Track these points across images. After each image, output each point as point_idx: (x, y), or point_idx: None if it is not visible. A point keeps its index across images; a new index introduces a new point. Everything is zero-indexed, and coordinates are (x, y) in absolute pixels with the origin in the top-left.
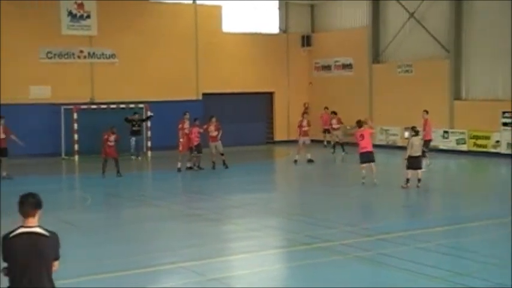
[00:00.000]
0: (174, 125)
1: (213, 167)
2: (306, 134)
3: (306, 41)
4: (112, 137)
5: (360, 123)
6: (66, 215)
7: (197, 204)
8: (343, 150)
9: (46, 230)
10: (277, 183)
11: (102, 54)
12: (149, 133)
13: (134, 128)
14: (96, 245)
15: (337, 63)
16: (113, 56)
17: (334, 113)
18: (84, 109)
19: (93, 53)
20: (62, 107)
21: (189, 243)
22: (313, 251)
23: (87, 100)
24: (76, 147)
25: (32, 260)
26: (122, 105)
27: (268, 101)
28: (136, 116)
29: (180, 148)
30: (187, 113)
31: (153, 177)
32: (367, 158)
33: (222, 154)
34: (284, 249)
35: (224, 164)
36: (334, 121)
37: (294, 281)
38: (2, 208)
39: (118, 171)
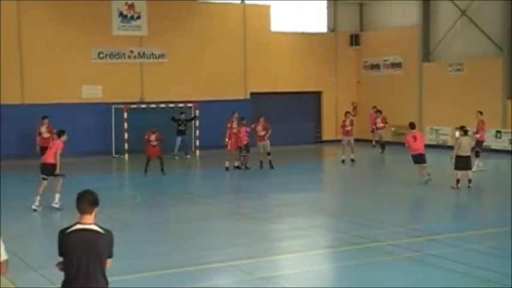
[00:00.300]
0: (222, 125)
1: (261, 167)
2: (348, 133)
3: (355, 40)
4: (153, 137)
5: (412, 125)
6: (116, 212)
7: (245, 203)
8: (382, 150)
9: (101, 227)
10: (325, 183)
11: (152, 54)
12: (197, 132)
13: (180, 128)
14: (146, 243)
15: (386, 62)
16: (162, 56)
17: (379, 111)
18: (133, 108)
19: (143, 53)
20: (113, 106)
21: (237, 241)
22: (362, 251)
23: (137, 99)
24: (126, 146)
25: (87, 256)
26: (171, 105)
27: (316, 100)
28: (183, 116)
29: (228, 147)
30: (236, 113)
31: (201, 175)
32: (419, 159)
33: (269, 154)
34: (332, 249)
35: (270, 164)
36: (378, 120)
37: (342, 281)
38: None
39: (162, 170)
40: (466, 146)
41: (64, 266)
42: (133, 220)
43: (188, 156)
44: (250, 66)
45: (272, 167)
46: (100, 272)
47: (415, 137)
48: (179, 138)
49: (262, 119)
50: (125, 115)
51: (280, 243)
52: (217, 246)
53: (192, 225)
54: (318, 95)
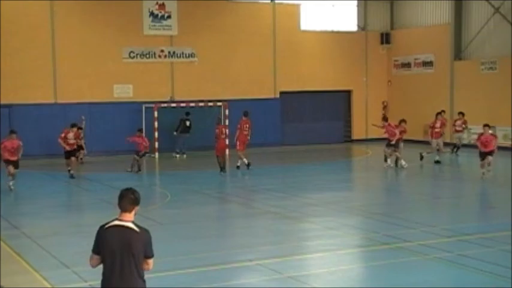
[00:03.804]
0: (253, 123)
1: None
2: (437, 135)
3: (385, 38)
4: (219, 130)
5: (488, 126)
6: (147, 211)
7: (275, 202)
8: (456, 152)
9: (138, 226)
10: (356, 183)
11: (182, 53)
12: (227, 131)
13: (187, 123)
14: (176, 241)
15: (417, 61)
16: (192, 55)
17: (462, 113)
18: (164, 107)
19: (174, 53)
20: (143, 105)
21: (267, 240)
22: (392, 251)
23: (167, 98)
24: (156, 144)
25: (122, 253)
26: (201, 103)
27: (346, 99)
28: (189, 117)
29: (238, 147)
30: (247, 113)
31: (231, 174)
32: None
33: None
34: (362, 249)
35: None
36: (459, 122)
37: (372, 281)
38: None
39: (223, 167)
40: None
41: (101, 261)
42: (164, 218)
43: (184, 156)
44: (279, 65)
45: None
46: (136, 271)
47: (489, 139)
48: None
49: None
50: (155, 114)
51: (310, 242)
52: (246, 245)
53: (222, 223)
54: (347, 94)
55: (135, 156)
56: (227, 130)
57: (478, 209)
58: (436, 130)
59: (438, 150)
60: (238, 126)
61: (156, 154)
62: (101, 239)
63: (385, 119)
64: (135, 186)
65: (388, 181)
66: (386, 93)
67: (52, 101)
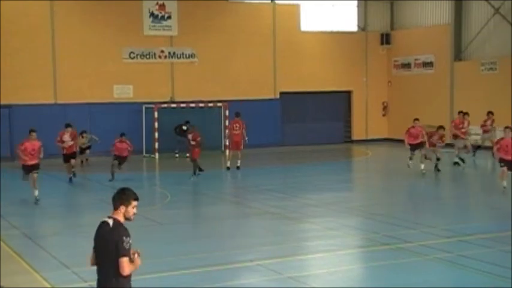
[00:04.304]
0: (251, 124)
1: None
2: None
3: (385, 38)
4: (190, 136)
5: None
6: (148, 211)
7: (275, 202)
8: (474, 153)
9: (115, 222)
10: (356, 183)
11: (182, 53)
12: (226, 132)
13: (184, 127)
14: (176, 242)
15: (418, 61)
16: (192, 55)
17: (491, 113)
18: (164, 108)
19: (174, 53)
20: (143, 106)
21: (267, 241)
22: (392, 251)
23: (168, 99)
24: (156, 145)
25: (99, 247)
26: (201, 104)
27: (346, 99)
28: (188, 125)
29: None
30: (238, 114)
31: (231, 175)
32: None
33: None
34: (362, 249)
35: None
36: (488, 122)
37: (372, 281)
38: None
39: (194, 172)
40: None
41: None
42: (164, 218)
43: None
44: (279, 66)
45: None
46: (112, 270)
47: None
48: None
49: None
50: (156, 114)
51: (310, 243)
52: (247, 245)
53: (222, 224)
54: (348, 94)
55: (115, 161)
56: (238, 125)
57: (481, 210)
58: (463, 130)
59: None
60: (229, 126)
61: (156, 155)
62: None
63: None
64: (135, 187)
65: (389, 181)
66: (386, 94)
67: (52, 101)
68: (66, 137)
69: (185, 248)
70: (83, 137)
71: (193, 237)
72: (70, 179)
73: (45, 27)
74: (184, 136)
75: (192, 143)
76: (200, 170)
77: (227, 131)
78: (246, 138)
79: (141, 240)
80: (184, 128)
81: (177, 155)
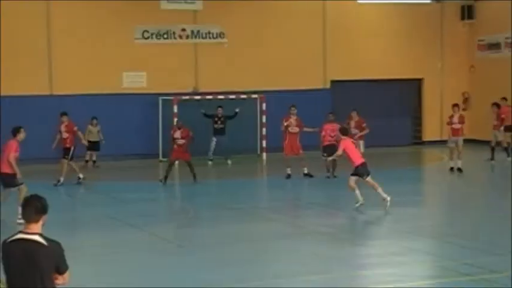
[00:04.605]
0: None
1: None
2: (456, 133)
3: (467, 12)
4: (178, 133)
5: None
6: (164, 230)
7: (324, 219)
8: (508, 154)
9: (47, 239)
10: (427, 196)
11: (209, 32)
12: (264, 131)
13: (216, 126)
14: (200, 268)
15: (509, 40)
16: (221, 35)
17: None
18: (186, 100)
19: (198, 32)
20: (160, 98)
21: (314, 268)
22: (475, 283)
23: (190, 89)
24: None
25: (26, 269)
26: (232, 96)
27: (415, 90)
28: (221, 111)
29: (285, 151)
30: (293, 107)
31: (268, 184)
32: None
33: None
34: (436, 281)
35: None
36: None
37: None
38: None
39: (194, 177)
40: None
41: (6, 279)
42: (185, 239)
43: (229, 162)
44: (330, 48)
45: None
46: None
47: None
48: (214, 139)
49: (355, 114)
50: (175, 109)
51: (368, 272)
52: (289, 274)
53: (257, 246)
54: (417, 83)
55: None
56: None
57: None
58: (455, 127)
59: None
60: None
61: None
62: (5, 254)
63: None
64: (149, 199)
65: (467, 194)
66: (467, 83)
67: (47, 92)
68: (62, 128)
69: (210, 276)
70: (92, 125)
71: (221, 263)
72: (57, 182)
73: (38, 5)
74: (222, 134)
75: (180, 142)
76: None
77: (283, 128)
78: (316, 129)
79: (156, 266)
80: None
81: (210, 160)
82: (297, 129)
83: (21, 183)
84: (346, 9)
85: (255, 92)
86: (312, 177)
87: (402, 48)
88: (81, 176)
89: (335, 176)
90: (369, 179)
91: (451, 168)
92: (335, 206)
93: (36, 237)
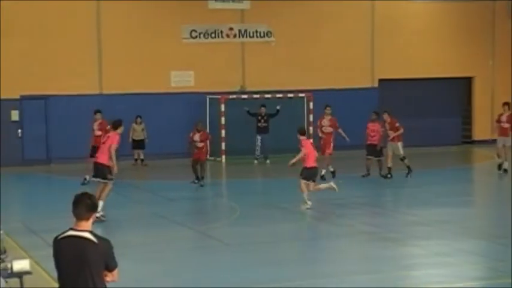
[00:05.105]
0: (342, 120)
1: (385, 175)
2: (504, 132)
3: None
4: (197, 136)
5: None
6: (211, 229)
7: (372, 219)
8: None
9: (97, 236)
10: (476, 196)
11: (256, 31)
12: (311, 130)
13: (260, 125)
14: (246, 267)
15: None
16: (268, 34)
17: None
18: (233, 99)
19: (245, 31)
20: (207, 97)
21: (360, 268)
22: None
23: (237, 88)
24: (223, 145)
25: (76, 266)
26: (279, 95)
27: (465, 88)
28: (263, 110)
29: (321, 151)
30: (328, 107)
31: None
32: None
33: (403, 159)
34: (485, 282)
35: (409, 172)
36: None
37: None
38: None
39: (202, 178)
40: None
41: (58, 279)
42: (231, 238)
43: (268, 162)
44: (378, 46)
45: (408, 174)
46: (92, 285)
47: None
48: (259, 138)
49: (386, 116)
50: (222, 107)
51: (415, 272)
52: (334, 274)
53: (303, 245)
54: (467, 81)
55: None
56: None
57: None
58: (503, 126)
59: None
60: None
61: (223, 157)
62: (55, 251)
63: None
64: (195, 197)
65: None
66: None
67: (96, 91)
68: (95, 126)
69: (256, 275)
70: (136, 123)
71: (267, 262)
72: (84, 179)
73: (89, 6)
74: (265, 132)
75: (199, 145)
76: (201, 178)
77: (318, 129)
78: (347, 138)
79: (203, 264)
80: (261, 125)
81: (256, 159)
82: (330, 129)
83: (111, 179)
84: (395, 7)
85: (302, 91)
86: (334, 175)
87: (452, 47)
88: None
89: (386, 176)
90: (313, 184)
91: (499, 167)
92: (380, 205)
93: (87, 235)
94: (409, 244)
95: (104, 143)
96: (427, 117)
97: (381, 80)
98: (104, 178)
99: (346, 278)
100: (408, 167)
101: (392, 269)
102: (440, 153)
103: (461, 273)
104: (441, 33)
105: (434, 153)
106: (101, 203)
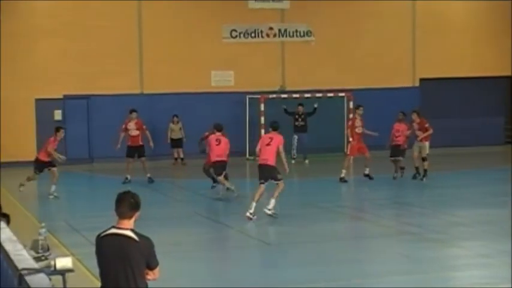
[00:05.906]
0: (381, 120)
1: (414, 176)
2: None
3: None
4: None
5: None
6: (252, 228)
7: (412, 219)
8: None
9: (138, 234)
10: None
11: (296, 31)
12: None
13: (297, 123)
14: (286, 266)
15: None
16: (308, 33)
17: None
18: (272, 99)
19: (285, 30)
20: (247, 96)
21: (401, 268)
22: None
23: (277, 88)
24: None
25: (118, 264)
26: (318, 94)
27: (508, 87)
28: (301, 109)
29: (349, 151)
30: (360, 108)
31: (355, 184)
32: None
33: (424, 159)
34: None
35: (424, 173)
36: None
37: None
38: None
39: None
40: None
41: (100, 276)
42: (271, 237)
43: (307, 161)
44: (420, 45)
45: (422, 178)
46: (133, 282)
47: None
48: (295, 137)
49: (415, 116)
50: (262, 107)
51: (458, 273)
52: (375, 274)
53: (343, 245)
54: (510, 80)
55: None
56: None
57: None
58: None
59: None
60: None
61: None
62: (97, 249)
63: None
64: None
65: None
66: None
67: (138, 91)
68: (131, 125)
69: (296, 274)
70: (173, 122)
71: (306, 261)
72: (125, 179)
73: (131, 7)
74: (303, 131)
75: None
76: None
77: (349, 130)
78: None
79: (244, 264)
80: (298, 124)
81: (294, 159)
82: (361, 130)
83: (281, 179)
84: (435, 6)
85: (341, 91)
86: (372, 179)
87: (494, 45)
88: (149, 175)
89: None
90: (220, 178)
91: None
92: (420, 205)
93: (128, 233)
94: (452, 245)
95: (268, 144)
96: (469, 117)
97: (422, 80)
98: (276, 179)
99: (386, 278)
100: (425, 170)
101: (434, 269)
102: (482, 153)
103: (502, 274)
104: (483, 31)
105: (476, 153)
106: (272, 201)
